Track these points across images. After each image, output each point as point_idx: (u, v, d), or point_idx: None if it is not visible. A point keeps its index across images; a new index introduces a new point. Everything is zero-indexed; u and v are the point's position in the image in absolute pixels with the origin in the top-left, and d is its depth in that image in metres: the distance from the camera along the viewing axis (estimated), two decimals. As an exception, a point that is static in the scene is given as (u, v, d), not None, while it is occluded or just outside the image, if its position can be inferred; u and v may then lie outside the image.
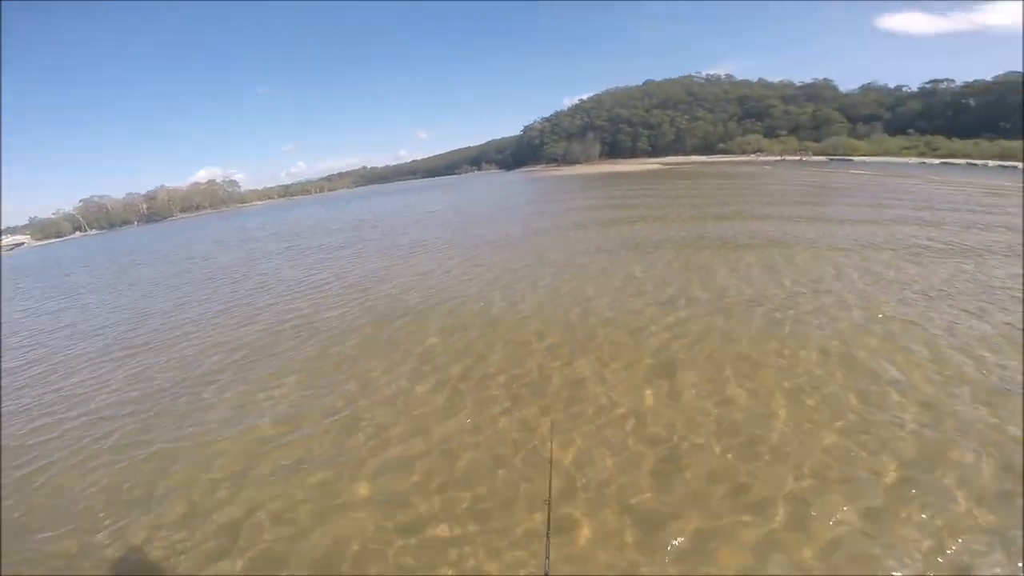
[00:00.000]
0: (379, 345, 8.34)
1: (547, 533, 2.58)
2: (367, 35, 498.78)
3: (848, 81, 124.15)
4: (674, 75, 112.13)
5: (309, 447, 5.45)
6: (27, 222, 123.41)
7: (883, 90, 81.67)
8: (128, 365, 9.15)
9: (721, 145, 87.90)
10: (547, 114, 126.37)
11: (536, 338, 7.78)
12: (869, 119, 75.24)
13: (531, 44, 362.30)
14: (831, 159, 61.91)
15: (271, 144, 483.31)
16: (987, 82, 65.75)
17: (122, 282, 21.38)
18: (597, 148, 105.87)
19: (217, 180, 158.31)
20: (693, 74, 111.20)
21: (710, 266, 11.24)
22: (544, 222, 21.78)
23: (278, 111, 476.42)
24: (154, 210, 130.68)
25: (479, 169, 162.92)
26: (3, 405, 7.98)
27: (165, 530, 4.44)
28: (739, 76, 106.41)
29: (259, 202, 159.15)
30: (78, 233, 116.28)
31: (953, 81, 71.73)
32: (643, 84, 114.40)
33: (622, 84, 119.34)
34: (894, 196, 23.56)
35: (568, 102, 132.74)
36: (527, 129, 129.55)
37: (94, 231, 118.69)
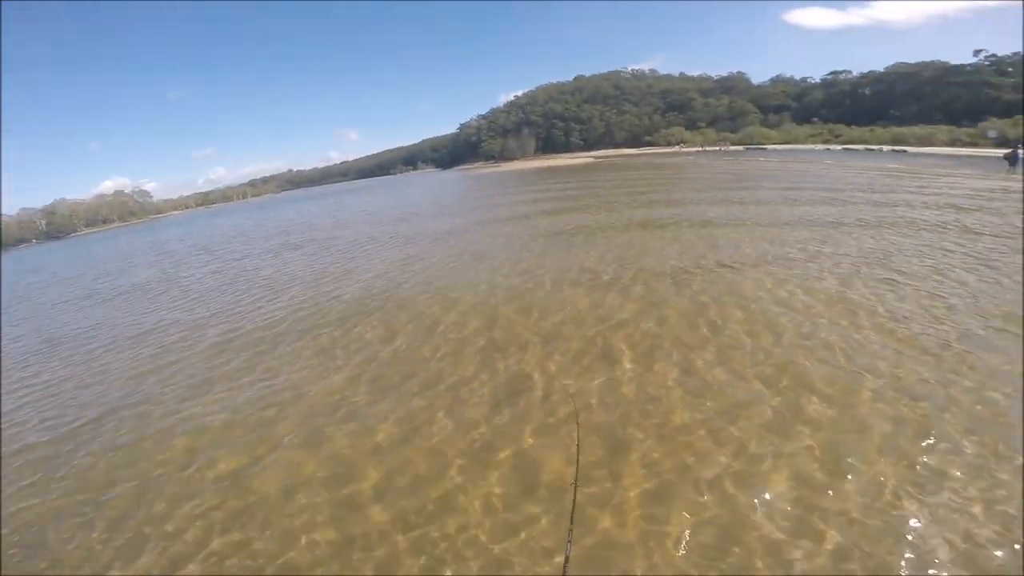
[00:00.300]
0: (334, 358, 7.92)
1: (570, 528, 2.58)
2: (287, 33, 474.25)
3: (760, 73, 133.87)
4: (603, 70, 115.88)
5: (295, 475, 5.07)
6: None
7: (790, 82, 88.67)
8: (43, 402, 8.13)
9: (648, 138, 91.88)
10: (484, 111, 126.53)
11: (504, 340, 7.68)
12: (779, 109, 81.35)
13: (466, 43, 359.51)
14: (747, 148, 66.30)
15: (185, 150, 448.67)
16: (879, 72, 72.86)
17: (21, 305, 19.07)
18: (532, 144, 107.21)
19: (126, 191, 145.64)
20: (620, 69, 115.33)
21: (658, 253, 11.63)
22: (487, 214, 21.67)
23: (190, 115, 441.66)
24: (55, 226, 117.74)
25: (414, 169, 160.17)
26: None
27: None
28: (662, 71, 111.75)
29: (176, 212, 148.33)
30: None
31: (850, 72, 79.04)
32: (574, 79, 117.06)
33: (554, 80, 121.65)
34: (808, 180, 25.63)
35: (504, 99, 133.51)
36: (464, 127, 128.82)
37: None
